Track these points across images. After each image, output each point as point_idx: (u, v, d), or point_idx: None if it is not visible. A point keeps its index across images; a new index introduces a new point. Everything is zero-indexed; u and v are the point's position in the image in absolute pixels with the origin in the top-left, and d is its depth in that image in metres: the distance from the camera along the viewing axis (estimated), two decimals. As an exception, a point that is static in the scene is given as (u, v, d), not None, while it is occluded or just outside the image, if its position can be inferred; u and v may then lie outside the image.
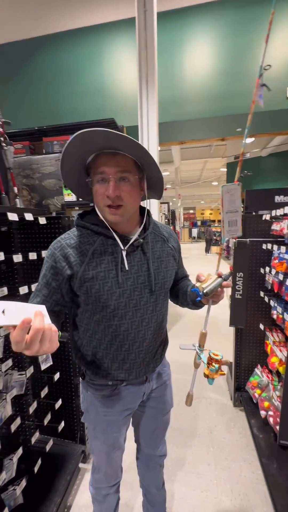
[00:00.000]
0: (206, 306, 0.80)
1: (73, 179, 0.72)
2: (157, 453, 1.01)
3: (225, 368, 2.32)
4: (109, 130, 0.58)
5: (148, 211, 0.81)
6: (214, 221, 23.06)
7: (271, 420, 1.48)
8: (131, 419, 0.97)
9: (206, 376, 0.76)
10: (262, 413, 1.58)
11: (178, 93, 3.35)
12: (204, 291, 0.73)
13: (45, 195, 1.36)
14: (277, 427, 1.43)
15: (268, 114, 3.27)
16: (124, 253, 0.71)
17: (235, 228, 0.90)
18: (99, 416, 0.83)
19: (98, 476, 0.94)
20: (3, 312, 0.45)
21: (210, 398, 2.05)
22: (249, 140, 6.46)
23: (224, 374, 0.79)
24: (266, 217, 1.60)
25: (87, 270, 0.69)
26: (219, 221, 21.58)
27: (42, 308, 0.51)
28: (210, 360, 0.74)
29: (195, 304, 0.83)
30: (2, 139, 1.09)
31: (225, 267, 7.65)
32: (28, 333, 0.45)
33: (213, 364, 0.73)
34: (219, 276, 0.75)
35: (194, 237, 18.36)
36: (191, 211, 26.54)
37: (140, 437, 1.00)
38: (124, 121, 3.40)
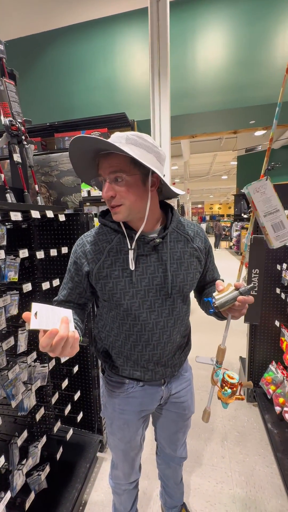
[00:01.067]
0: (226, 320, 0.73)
1: (89, 175, 0.73)
2: (178, 454, 1.02)
3: (237, 364, 2.33)
4: (83, 136, 0.60)
5: (172, 208, 0.77)
6: (223, 215, 22.73)
7: (286, 416, 1.49)
8: (152, 419, 0.99)
9: (219, 398, 0.69)
10: (277, 408, 1.58)
11: (190, 85, 3.28)
12: (215, 304, 0.64)
13: (63, 192, 1.38)
14: (293, 423, 1.43)
15: (282, 106, 3.18)
16: (131, 253, 0.68)
17: (284, 232, 0.73)
18: (115, 413, 0.84)
19: (116, 472, 0.96)
20: (35, 315, 0.49)
21: (223, 393, 2.07)
22: (261, 132, 6.29)
23: (242, 399, 0.70)
24: (285, 212, 1.57)
25: (101, 268, 0.71)
26: (228, 215, 21.25)
27: (69, 314, 0.55)
28: (224, 383, 0.68)
29: (216, 314, 0.75)
30: (23, 137, 1.11)
31: (236, 263, 7.57)
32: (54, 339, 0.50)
33: (225, 388, 0.66)
34: (237, 288, 0.64)
35: (203, 232, 18.19)
36: (200, 206, 26.23)
37: (160, 437, 1.01)
38: (136, 115, 3.37)
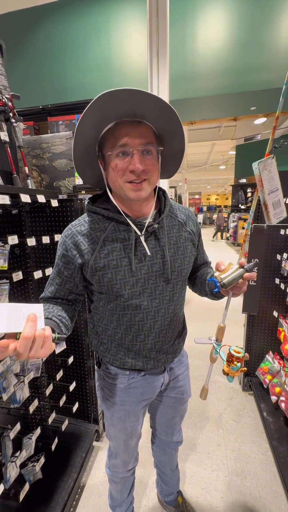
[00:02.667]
0: (225, 298, 0.73)
1: (83, 154, 0.64)
2: (174, 439, 1.02)
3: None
4: (137, 89, 0.52)
5: (164, 192, 0.75)
6: (220, 206, 22.63)
7: (282, 405, 1.49)
8: (149, 406, 0.97)
9: (225, 373, 0.71)
10: (273, 398, 1.59)
11: (189, 68, 3.14)
12: (222, 282, 0.65)
13: (56, 176, 1.31)
14: (289, 412, 1.44)
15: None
16: (142, 239, 0.66)
17: (280, 210, 0.77)
18: (116, 406, 0.82)
19: (115, 461, 0.95)
20: None
21: (219, 382, 2.08)
22: (261, 120, 6.15)
23: (245, 370, 0.74)
24: (286, 201, 1.52)
25: (98, 259, 0.65)
26: (225, 206, 21.16)
27: (38, 309, 0.48)
28: (231, 358, 0.69)
29: (214, 294, 0.77)
30: (11, 114, 1.02)
31: (232, 254, 7.57)
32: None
33: (235, 363, 0.68)
34: (241, 266, 0.66)
35: (200, 223, 18.11)
36: (197, 196, 26.03)
37: (157, 424, 1.00)
38: (133, 99, 3.24)
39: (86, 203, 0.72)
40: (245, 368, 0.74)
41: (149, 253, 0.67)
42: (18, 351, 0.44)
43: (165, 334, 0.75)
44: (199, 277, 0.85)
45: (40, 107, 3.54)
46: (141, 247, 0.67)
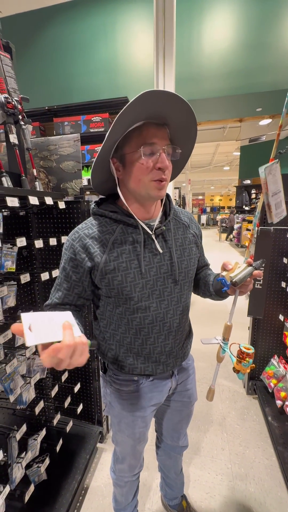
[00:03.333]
0: (230, 297, 0.75)
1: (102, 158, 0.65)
2: (180, 444, 1.01)
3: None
4: (174, 93, 0.55)
5: (168, 195, 0.76)
6: (223, 207, 22.53)
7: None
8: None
9: (236, 371, 0.72)
10: (278, 402, 1.57)
11: (195, 69, 3.13)
12: (233, 280, 0.66)
13: (63, 178, 1.31)
14: (295, 417, 1.42)
15: (292, 92, 3.04)
16: (154, 237, 0.68)
17: (281, 210, 0.85)
18: (124, 412, 0.81)
19: (122, 466, 0.94)
20: (29, 327, 0.41)
21: (222, 385, 2.07)
22: (267, 121, 6.11)
23: (254, 367, 0.75)
24: None
25: (108, 261, 0.65)
26: (228, 207, 21.07)
27: (69, 316, 0.47)
28: (242, 355, 0.70)
29: (218, 294, 0.78)
30: (20, 117, 1.03)
31: (236, 255, 7.53)
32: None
33: (247, 359, 0.70)
34: (249, 264, 0.68)
35: (203, 224, 18.05)
36: (200, 197, 25.96)
37: (163, 429, 0.99)
38: (138, 100, 3.24)
39: (92, 206, 0.72)
40: (254, 365, 0.75)
41: (160, 251, 0.69)
42: (60, 358, 0.42)
43: (174, 336, 0.75)
44: (202, 278, 0.87)
45: (46, 108, 3.56)
46: (149, 249, 0.68)
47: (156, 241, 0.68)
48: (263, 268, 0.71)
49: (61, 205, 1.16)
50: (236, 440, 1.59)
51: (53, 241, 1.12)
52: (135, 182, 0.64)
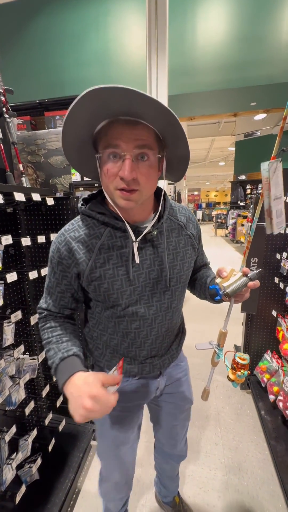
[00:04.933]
0: (226, 303, 0.70)
1: (75, 151, 0.59)
2: (177, 451, 0.99)
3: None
4: (131, 88, 0.45)
5: (165, 194, 0.68)
6: (219, 203, 22.54)
7: (280, 404, 1.49)
8: (150, 414, 0.95)
9: (231, 380, 0.70)
10: (271, 397, 1.59)
11: (189, 62, 3.08)
12: (226, 292, 0.62)
13: (52, 174, 1.28)
14: (287, 412, 1.44)
15: (286, 86, 3.01)
16: (135, 246, 0.61)
17: (281, 219, 0.71)
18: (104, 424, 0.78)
19: (106, 485, 0.89)
20: None
21: (217, 380, 2.08)
22: (261, 116, 6.09)
23: (249, 373, 0.74)
24: (286, 199, 1.50)
25: (94, 268, 0.61)
26: (224, 203, 21.09)
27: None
28: (237, 365, 0.68)
29: (213, 299, 0.74)
30: (4, 109, 0.99)
31: (230, 250, 7.56)
32: None
33: (242, 371, 0.67)
34: (245, 274, 0.63)
35: (199, 219, 18.07)
36: (196, 193, 25.92)
37: (159, 433, 0.97)
38: (131, 93, 3.17)
39: (80, 204, 0.65)
40: (249, 371, 0.73)
41: (137, 262, 0.62)
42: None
43: (162, 340, 0.73)
44: (199, 280, 0.82)
45: (37, 101, 3.46)
46: (139, 254, 0.63)
47: (135, 250, 0.61)
48: (258, 282, 0.64)
49: (50, 201, 1.13)
50: (230, 434, 1.60)
51: (41, 239, 1.09)
52: (104, 187, 0.58)
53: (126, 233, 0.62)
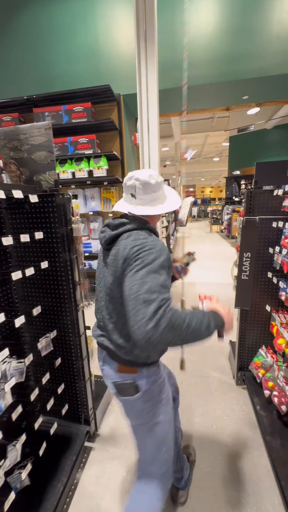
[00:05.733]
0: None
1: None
2: (140, 465, 1.02)
3: (227, 348, 2.33)
4: None
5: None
6: (214, 199, 22.54)
7: (275, 399, 1.48)
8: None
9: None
10: (266, 392, 1.57)
11: (180, 55, 3.01)
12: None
13: (36, 170, 1.23)
14: (282, 407, 1.42)
15: (278, 79, 2.97)
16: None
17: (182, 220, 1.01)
18: (170, 393, 0.98)
19: (170, 471, 1.00)
20: None
21: (212, 377, 2.07)
22: (254, 110, 6.04)
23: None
24: (278, 192, 1.47)
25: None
26: (219, 199, 21.11)
27: None
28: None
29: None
30: (-19, 102, 0.94)
31: (227, 246, 7.56)
32: None
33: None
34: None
35: (194, 216, 17.99)
36: (191, 189, 25.86)
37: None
38: (121, 88, 3.11)
39: (142, 225, 0.84)
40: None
41: None
42: None
43: None
44: None
45: (25, 97, 3.38)
46: None
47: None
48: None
49: (33, 198, 1.08)
50: (226, 431, 1.59)
51: (25, 238, 1.05)
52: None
53: None
